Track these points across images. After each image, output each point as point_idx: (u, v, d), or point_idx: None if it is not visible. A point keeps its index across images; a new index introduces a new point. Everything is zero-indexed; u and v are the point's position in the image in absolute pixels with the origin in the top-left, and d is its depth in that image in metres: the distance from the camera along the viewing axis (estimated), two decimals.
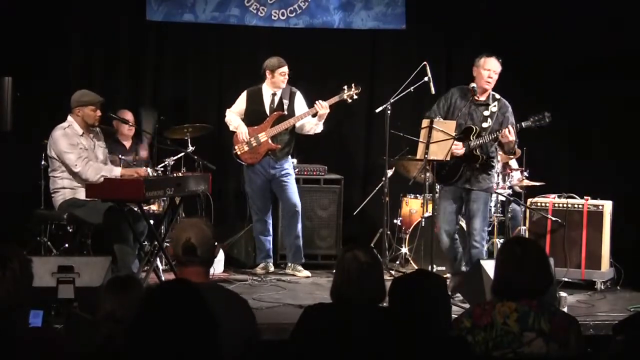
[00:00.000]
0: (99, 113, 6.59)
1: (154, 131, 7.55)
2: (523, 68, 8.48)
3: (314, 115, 7.27)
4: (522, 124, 6.40)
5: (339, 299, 3.34)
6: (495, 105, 6.51)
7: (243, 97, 7.46)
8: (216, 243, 3.58)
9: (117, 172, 6.42)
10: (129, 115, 7.45)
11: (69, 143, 6.43)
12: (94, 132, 6.66)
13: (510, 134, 6.33)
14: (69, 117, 6.57)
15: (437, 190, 6.69)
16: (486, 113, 6.52)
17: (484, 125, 6.48)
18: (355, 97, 7.28)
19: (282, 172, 7.39)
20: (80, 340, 3.47)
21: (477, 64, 6.56)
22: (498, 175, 7.43)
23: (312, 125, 7.33)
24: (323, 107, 7.17)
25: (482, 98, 6.55)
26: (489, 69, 6.49)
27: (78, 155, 6.40)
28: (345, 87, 7.26)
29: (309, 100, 7.43)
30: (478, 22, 8.60)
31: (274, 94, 7.36)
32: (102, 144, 6.73)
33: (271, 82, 7.32)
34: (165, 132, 7.58)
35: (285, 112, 7.33)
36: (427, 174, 6.70)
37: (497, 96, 6.53)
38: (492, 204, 7.42)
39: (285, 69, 7.27)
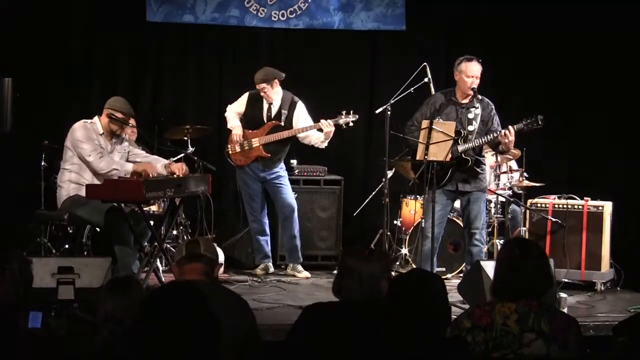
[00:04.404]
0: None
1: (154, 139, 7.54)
2: (522, 68, 8.50)
3: (320, 130, 7.24)
4: (515, 126, 6.42)
5: (339, 296, 3.38)
6: (478, 107, 6.54)
7: (244, 99, 7.45)
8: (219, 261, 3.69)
9: (128, 167, 6.43)
10: (130, 121, 7.42)
11: (87, 135, 6.44)
12: (117, 138, 6.65)
13: (510, 134, 6.35)
14: (95, 117, 6.59)
15: (425, 195, 6.65)
16: (470, 116, 6.56)
17: (470, 128, 6.54)
18: (351, 124, 7.28)
19: (274, 175, 7.38)
20: (80, 342, 3.47)
21: (458, 69, 6.58)
22: (498, 176, 7.45)
23: (318, 141, 7.30)
24: (329, 125, 7.14)
25: (466, 101, 6.58)
26: (472, 75, 6.52)
27: (93, 148, 6.41)
28: (344, 112, 7.25)
29: (308, 102, 7.42)
30: (478, 23, 8.60)
31: (270, 103, 7.35)
32: (122, 149, 6.68)
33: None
34: (165, 133, 7.58)
35: (282, 123, 7.31)
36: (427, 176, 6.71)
37: (479, 97, 6.55)
38: (492, 204, 7.43)
39: (259, 85, 7.23)
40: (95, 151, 6.40)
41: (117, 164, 6.41)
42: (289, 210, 7.40)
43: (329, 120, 7.17)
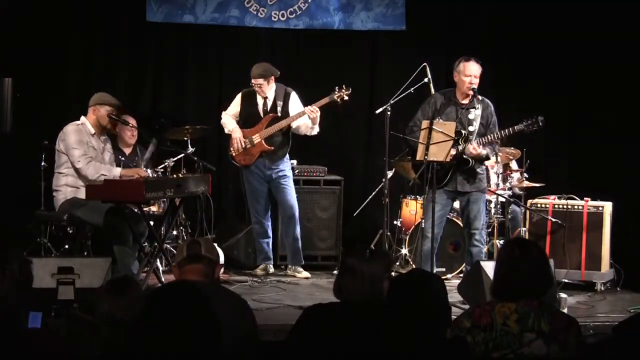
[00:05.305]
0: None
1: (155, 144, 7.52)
2: (522, 68, 8.50)
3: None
4: (515, 127, 6.43)
5: (340, 296, 3.38)
6: (478, 108, 6.54)
7: (238, 99, 7.48)
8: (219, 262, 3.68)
9: (116, 172, 6.44)
10: (131, 121, 7.42)
11: (79, 139, 6.46)
12: (105, 136, 6.69)
13: (475, 150, 6.39)
14: (82, 117, 6.60)
15: (426, 195, 6.66)
16: (471, 116, 6.57)
17: (470, 128, 6.55)
18: (345, 98, 7.27)
19: (279, 174, 7.39)
20: (80, 342, 3.48)
21: (457, 70, 6.58)
22: (498, 177, 7.45)
23: (308, 128, 7.32)
24: (313, 111, 7.18)
25: (466, 101, 6.58)
26: (470, 74, 6.52)
27: (83, 152, 6.42)
28: (336, 88, 7.26)
29: (307, 101, 7.42)
30: (478, 23, 8.61)
31: (265, 97, 7.36)
32: (110, 148, 6.77)
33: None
34: (165, 134, 7.58)
35: (279, 114, 7.33)
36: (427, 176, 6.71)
37: (480, 97, 6.55)
38: (492, 205, 7.43)
39: (255, 80, 7.25)
40: (85, 156, 6.40)
41: (106, 169, 6.41)
42: (291, 212, 7.40)
43: (313, 106, 7.18)
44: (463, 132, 6.51)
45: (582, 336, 3.44)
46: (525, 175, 7.52)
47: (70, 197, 6.43)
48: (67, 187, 6.46)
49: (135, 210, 6.47)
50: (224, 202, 8.44)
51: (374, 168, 8.29)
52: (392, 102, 7.01)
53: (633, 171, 7.95)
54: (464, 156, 6.52)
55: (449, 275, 7.27)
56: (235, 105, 7.48)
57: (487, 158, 6.67)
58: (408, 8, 8.57)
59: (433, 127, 6.24)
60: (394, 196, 7.67)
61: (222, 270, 7.29)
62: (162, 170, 7.16)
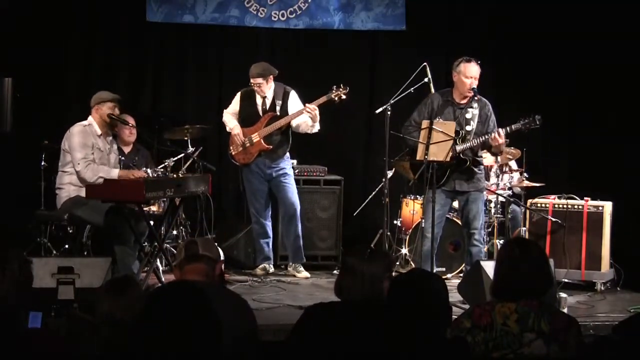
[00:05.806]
0: (117, 111, 6.64)
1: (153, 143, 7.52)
2: (522, 68, 8.50)
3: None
4: (512, 126, 6.43)
5: (340, 296, 3.39)
6: (476, 108, 6.54)
7: (237, 98, 7.49)
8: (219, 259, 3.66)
9: (114, 174, 6.44)
10: (130, 120, 7.42)
11: (83, 141, 6.47)
12: (111, 137, 6.70)
13: (500, 137, 6.37)
14: (90, 117, 6.61)
15: (425, 195, 6.65)
16: (468, 116, 6.56)
17: (468, 128, 6.55)
18: (343, 97, 7.27)
19: (280, 172, 7.39)
20: (80, 342, 3.48)
21: (457, 70, 6.57)
22: (498, 176, 7.45)
23: (308, 125, 7.32)
24: (311, 110, 7.18)
25: (464, 101, 6.58)
26: (471, 76, 6.52)
27: (84, 156, 6.43)
28: (334, 87, 7.26)
29: (307, 101, 7.42)
30: (478, 23, 8.61)
31: (264, 97, 7.36)
32: (116, 149, 6.78)
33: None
34: (165, 133, 7.58)
35: (278, 113, 7.34)
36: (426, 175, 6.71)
37: (477, 96, 6.55)
38: (492, 204, 7.43)
39: (254, 79, 7.26)
40: (85, 160, 6.41)
41: (104, 172, 6.41)
42: (293, 209, 7.39)
43: (312, 105, 7.18)
44: (460, 131, 6.51)
45: (582, 336, 3.44)
46: (525, 175, 7.52)
47: (74, 195, 6.44)
48: (70, 186, 6.47)
49: (136, 209, 6.47)
50: (224, 202, 8.44)
51: (374, 168, 8.29)
52: (392, 102, 7.01)
53: (633, 171, 7.95)
54: (469, 157, 6.52)
55: (449, 275, 7.27)
56: (235, 104, 7.50)
57: (501, 152, 6.69)
58: (408, 8, 8.57)
59: (433, 127, 6.24)
60: (394, 196, 7.67)
61: (223, 265, 7.33)
62: (162, 170, 7.16)
